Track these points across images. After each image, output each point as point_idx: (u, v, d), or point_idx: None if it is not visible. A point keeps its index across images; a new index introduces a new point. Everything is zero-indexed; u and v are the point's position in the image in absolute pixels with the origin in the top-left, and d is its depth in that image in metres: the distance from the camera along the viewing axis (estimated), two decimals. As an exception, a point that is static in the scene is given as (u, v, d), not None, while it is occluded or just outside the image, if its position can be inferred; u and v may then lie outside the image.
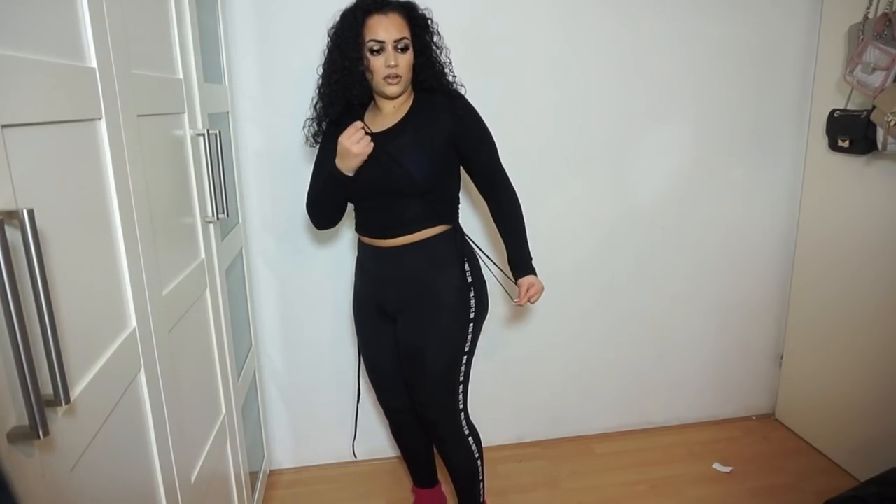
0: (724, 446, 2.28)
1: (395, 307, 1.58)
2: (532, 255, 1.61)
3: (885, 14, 1.78)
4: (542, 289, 1.59)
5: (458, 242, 1.55)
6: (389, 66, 1.41)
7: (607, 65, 2.04)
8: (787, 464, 2.16)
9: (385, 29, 1.40)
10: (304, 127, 1.59)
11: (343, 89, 1.46)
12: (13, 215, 0.62)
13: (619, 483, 2.08)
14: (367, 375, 1.76)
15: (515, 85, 2.00)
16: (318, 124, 1.57)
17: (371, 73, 1.43)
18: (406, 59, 1.43)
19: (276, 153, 1.93)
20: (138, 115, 1.03)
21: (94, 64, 0.88)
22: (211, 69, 1.62)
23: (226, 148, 1.74)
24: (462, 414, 1.64)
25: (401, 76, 1.43)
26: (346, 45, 1.42)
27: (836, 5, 2.02)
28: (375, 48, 1.41)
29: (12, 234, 0.62)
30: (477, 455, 1.68)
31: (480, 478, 1.71)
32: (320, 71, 1.51)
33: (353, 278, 1.69)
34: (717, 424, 2.43)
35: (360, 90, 1.46)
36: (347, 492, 2.07)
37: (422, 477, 1.89)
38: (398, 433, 1.82)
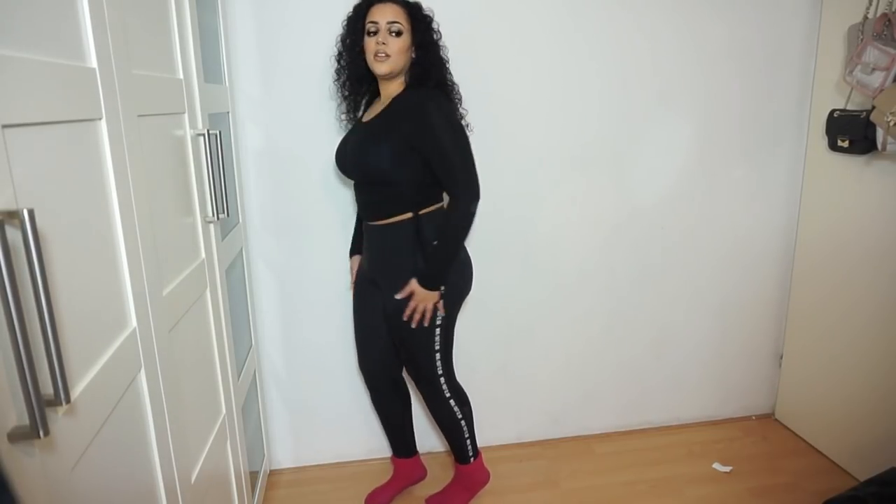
0: (724, 446, 2.28)
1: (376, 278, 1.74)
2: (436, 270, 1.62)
3: (884, 14, 1.78)
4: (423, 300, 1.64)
5: (416, 231, 1.62)
6: (378, 44, 1.55)
7: (607, 65, 2.04)
8: (786, 464, 2.16)
9: (380, 12, 1.56)
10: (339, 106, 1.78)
11: (351, 70, 1.65)
12: (13, 215, 0.62)
13: (619, 483, 2.08)
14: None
15: (517, 85, 2.00)
16: (346, 101, 1.73)
17: (366, 53, 1.59)
18: (397, 43, 1.56)
19: (276, 153, 1.93)
20: (139, 116, 1.04)
21: (94, 64, 0.88)
22: (211, 69, 1.63)
23: (226, 148, 1.75)
24: (442, 378, 1.75)
25: (390, 55, 1.55)
26: (351, 30, 1.61)
27: (836, 5, 2.02)
28: (372, 30, 1.57)
29: (12, 234, 0.62)
30: (460, 416, 1.81)
31: (466, 436, 1.85)
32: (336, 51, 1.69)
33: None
34: (716, 424, 2.43)
35: (365, 71, 1.63)
36: (347, 492, 2.07)
37: (399, 447, 2.00)
38: (377, 401, 1.94)
